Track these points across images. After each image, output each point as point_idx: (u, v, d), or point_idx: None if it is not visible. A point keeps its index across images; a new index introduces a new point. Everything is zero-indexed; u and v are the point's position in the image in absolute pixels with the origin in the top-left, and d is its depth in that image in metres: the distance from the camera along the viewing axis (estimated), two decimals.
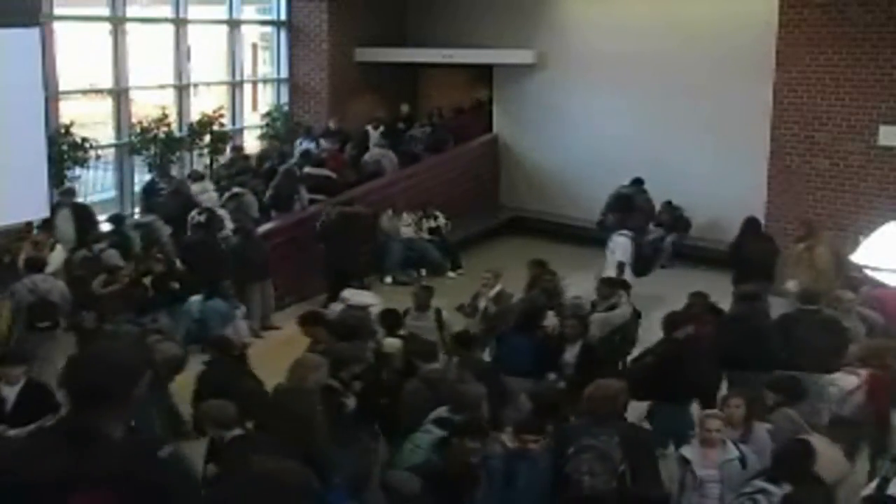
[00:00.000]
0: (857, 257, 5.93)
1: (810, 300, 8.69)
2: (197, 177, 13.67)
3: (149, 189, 13.64)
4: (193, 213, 12.27)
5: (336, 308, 9.98)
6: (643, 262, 12.09)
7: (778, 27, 13.11)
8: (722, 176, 14.47)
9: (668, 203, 15.19)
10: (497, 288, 9.83)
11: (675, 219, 15.20)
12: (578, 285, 10.78)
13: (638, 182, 14.86)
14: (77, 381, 3.05)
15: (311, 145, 15.65)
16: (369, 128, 16.78)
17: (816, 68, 12.93)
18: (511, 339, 8.75)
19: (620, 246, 11.67)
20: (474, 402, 6.64)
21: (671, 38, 15.08)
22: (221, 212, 12.54)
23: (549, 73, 16.77)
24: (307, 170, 14.51)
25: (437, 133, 17.21)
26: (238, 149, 15.78)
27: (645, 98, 15.52)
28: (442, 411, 6.57)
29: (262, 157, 15.54)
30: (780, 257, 10.96)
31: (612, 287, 9.77)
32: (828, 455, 5.99)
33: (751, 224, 11.70)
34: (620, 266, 11.65)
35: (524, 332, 8.75)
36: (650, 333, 10.02)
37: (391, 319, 8.36)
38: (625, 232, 11.86)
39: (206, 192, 13.11)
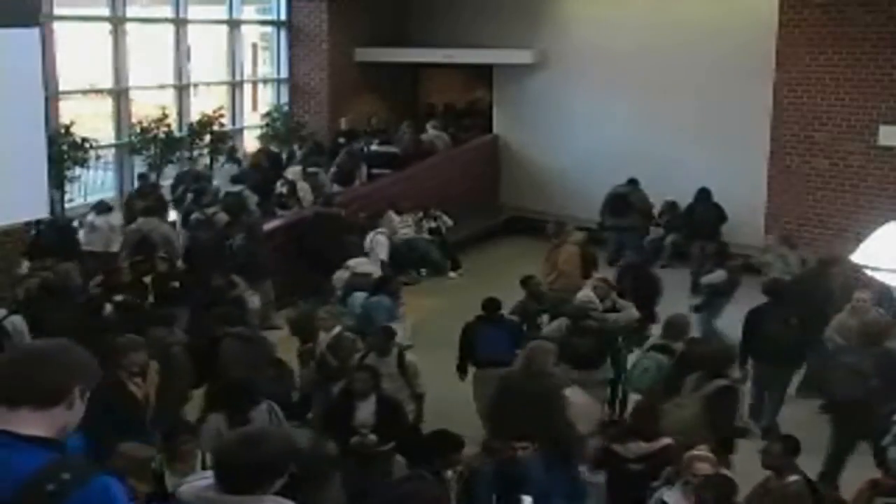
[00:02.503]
0: (857, 257, 5.93)
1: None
2: (103, 209, 12.17)
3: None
4: (278, 184, 13.77)
5: (342, 275, 10.51)
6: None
7: (778, 27, 13.12)
8: (722, 176, 14.45)
9: (673, 203, 15.20)
10: (335, 330, 8.44)
11: (674, 218, 15.20)
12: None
13: (633, 182, 14.89)
14: None
15: (233, 168, 14.91)
16: (295, 146, 16.39)
17: (816, 68, 12.93)
18: (486, 331, 8.77)
19: (380, 245, 11.60)
20: (685, 328, 8.18)
21: (670, 38, 15.08)
22: (302, 184, 13.80)
23: (548, 73, 16.78)
24: (373, 147, 16.12)
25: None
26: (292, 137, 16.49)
27: (645, 98, 15.52)
28: (656, 339, 8.22)
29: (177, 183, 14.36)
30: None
31: (609, 287, 9.73)
32: (581, 402, 7.47)
33: (702, 192, 13.94)
34: (382, 265, 11.56)
35: (494, 322, 8.80)
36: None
37: None
38: (382, 230, 11.82)
39: (110, 226, 11.89)
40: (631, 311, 9.53)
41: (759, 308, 9.11)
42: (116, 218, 12.20)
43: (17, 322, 8.17)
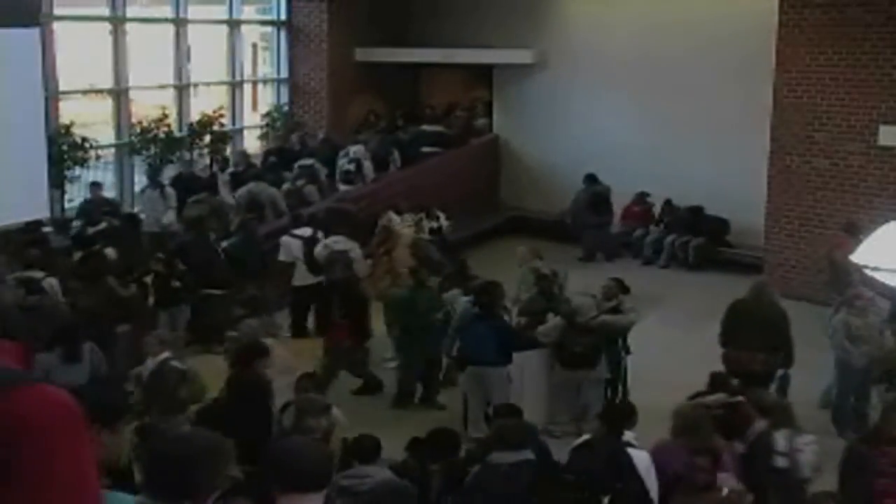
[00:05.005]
0: (857, 257, 5.93)
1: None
2: None
3: None
4: (342, 161, 14.70)
5: (321, 252, 10.84)
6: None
7: (778, 27, 13.10)
8: (722, 176, 14.46)
9: (668, 202, 15.22)
10: (162, 355, 7.65)
11: (675, 219, 15.21)
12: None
13: (594, 178, 15.24)
14: None
15: (155, 193, 13.38)
16: (226, 169, 15.42)
17: (816, 68, 12.92)
18: (473, 328, 8.73)
19: (294, 247, 11.45)
20: (849, 280, 9.38)
21: (671, 37, 15.06)
22: (366, 164, 14.79)
23: (548, 73, 16.77)
24: (424, 127, 17.13)
25: None
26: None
27: (644, 98, 15.51)
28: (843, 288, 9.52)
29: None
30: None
31: (619, 287, 9.69)
32: (281, 353, 8.03)
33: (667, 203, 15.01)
34: (291, 266, 11.45)
35: (485, 320, 8.72)
36: (646, 335, 10.02)
37: None
38: (296, 232, 11.73)
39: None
40: (631, 316, 9.45)
41: None
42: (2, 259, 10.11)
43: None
